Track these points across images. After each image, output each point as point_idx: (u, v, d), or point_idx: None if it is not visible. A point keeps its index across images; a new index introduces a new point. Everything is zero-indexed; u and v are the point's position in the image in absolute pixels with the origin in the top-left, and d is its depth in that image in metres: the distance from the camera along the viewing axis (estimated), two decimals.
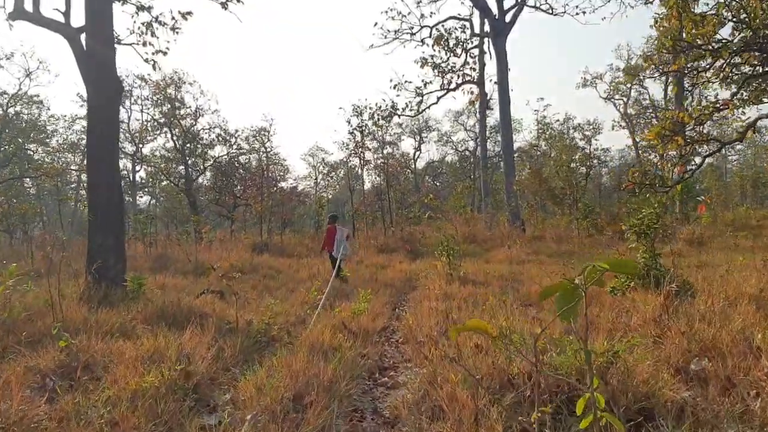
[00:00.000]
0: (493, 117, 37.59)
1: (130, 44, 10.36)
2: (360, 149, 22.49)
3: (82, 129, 34.95)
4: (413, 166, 55.63)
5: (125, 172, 39.60)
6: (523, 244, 16.46)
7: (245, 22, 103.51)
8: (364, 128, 22.85)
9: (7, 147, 26.06)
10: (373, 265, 14.46)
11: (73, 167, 36.00)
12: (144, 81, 32.94)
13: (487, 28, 31.56)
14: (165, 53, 11.05)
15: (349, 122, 22.72)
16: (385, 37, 32.05)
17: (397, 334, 7.00)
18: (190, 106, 33.50)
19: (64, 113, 40.28)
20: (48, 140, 33.95)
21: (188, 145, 34.40)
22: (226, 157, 35.15)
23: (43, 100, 31.21)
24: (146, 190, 41.61)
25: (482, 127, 34.00)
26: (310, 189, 51.51)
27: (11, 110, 28.21)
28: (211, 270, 6.83)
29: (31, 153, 31.79)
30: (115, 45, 9.85)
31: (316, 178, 56.95)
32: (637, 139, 41.90)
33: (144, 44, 10.50)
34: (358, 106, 23.17)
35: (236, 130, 35.03)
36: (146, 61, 10.62)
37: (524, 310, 7.17)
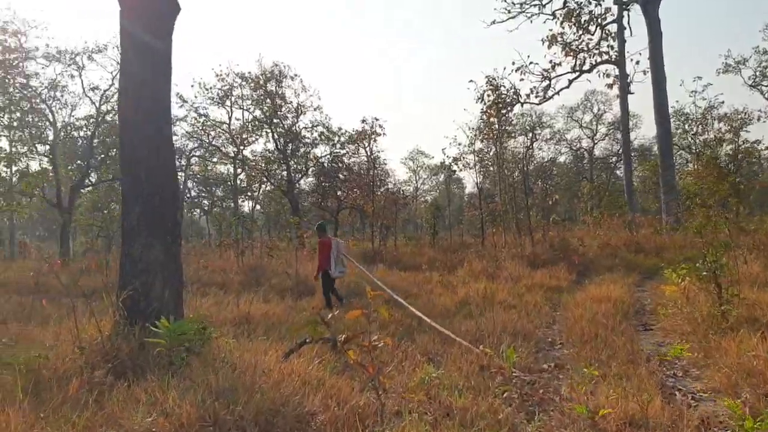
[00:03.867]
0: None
1: None
2: (499, 129, 17.93)
3: (185, 133, 33.55)
4: (525, 167, 50.52)
5: (225, 173, 38.11)
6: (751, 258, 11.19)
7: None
8: (501, 104, 18.32)
9: (102, 149, 24.72)
10: (538, 287, 10.02)
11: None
12: (244, 79, 31.03)
13: None
14: None
15: (482, 98, 18.34)
16: (509, 12, 27.69)
17: None
18: (291, 102, 31.26)
19: None
20: None
21: (290, 145, 32.16)
22: (329, 156, 32.58)
23: None
24: (247, 194, 39.95)
25: (624, 112, 28.42)
26: (409, 194, 48.71)
27: (104, 107, 26.94)
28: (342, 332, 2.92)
29: None
30: None
31: (416, 183, 54.63)
32: None
33: None
34: (494, 78, 18.70)
35: (339, 128, 32.32)
36: None
37: None
